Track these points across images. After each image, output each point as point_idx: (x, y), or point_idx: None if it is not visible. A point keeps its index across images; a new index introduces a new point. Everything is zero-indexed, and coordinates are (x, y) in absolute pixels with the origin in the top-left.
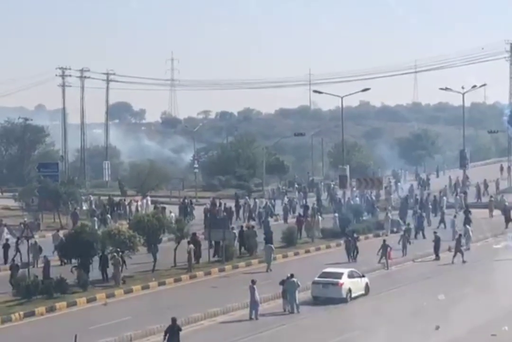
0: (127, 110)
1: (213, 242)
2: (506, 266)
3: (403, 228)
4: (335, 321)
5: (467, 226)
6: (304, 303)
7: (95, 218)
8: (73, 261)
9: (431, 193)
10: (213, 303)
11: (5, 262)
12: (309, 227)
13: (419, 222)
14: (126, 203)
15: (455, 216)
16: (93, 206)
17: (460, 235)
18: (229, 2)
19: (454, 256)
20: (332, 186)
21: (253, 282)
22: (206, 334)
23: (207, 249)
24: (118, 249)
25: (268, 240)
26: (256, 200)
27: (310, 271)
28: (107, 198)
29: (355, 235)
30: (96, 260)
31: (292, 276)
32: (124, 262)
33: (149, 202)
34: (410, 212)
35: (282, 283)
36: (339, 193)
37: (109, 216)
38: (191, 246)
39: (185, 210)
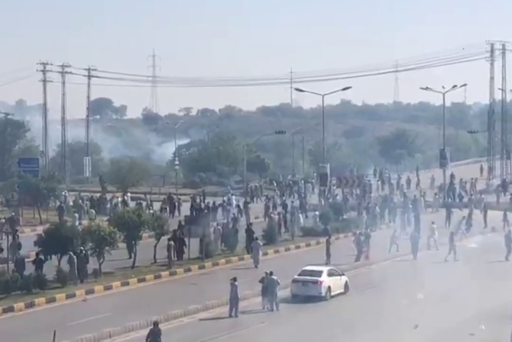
0: (108, 106)
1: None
2: (478, 266)
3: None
4: (314, 319)
5: (433, 225)
6: (283, 301)
7: (76, 214)
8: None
9: (409, 192)
10: (193, 300)
11: None
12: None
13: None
14: (108, 199)
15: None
16: (80, 201)
17: (452, 233)
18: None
19: (448, 253)
20: (301, 184)
21: (235, 279)
22: (186, 331)
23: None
24: (82, 248)
25: (250, 236)
26: (224, 198)
27: (290, 269)
28: (87, 194)
29: (366, 231)
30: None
31: (271, 273)
32: (87, 261)
33: (129, 199)
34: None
35: (262, 280)
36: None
37: (93, 210)
38: (171, 242)
39: (172, 206)
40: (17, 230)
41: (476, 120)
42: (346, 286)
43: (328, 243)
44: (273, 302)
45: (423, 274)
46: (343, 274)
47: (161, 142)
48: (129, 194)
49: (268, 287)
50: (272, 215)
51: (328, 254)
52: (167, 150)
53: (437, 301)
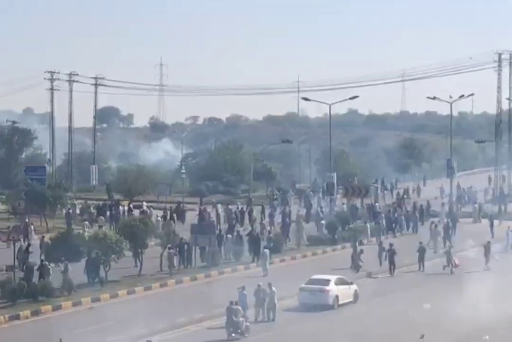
0: (115, 114)
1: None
2: (485, 276)
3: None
4: (320, 328)
5: (438, 229)
6: (291, 310)
7: (86, 222)
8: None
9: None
10: (199, 308)
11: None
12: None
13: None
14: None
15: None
16: (90, 209)
17: (489, 242)
18: (218, 8)
19: (486, 262)
20: (309, 192)
21: (243, 287)
22: (192, 339)
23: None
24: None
25: (257, 245)
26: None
27: (296, 277)
28: (94, 202)
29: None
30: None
31: (270, 285)
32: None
33: (145, 207)
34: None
35: (256, 293)
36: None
37: (102, 217)
38: (171, 251)
39: (180, 214)
40: (17, 240)
41: (483, 130)
42: (355, 295)
43: (355, 252)
44: (274, 312)
45: (430, 285)
46: (352, 283)
47: (167, 151)
48: (144, 203)
49: (269, 297)
50: (263, 222)
51: (355, 263)
52: (173, 159)
53: (444, 311)
